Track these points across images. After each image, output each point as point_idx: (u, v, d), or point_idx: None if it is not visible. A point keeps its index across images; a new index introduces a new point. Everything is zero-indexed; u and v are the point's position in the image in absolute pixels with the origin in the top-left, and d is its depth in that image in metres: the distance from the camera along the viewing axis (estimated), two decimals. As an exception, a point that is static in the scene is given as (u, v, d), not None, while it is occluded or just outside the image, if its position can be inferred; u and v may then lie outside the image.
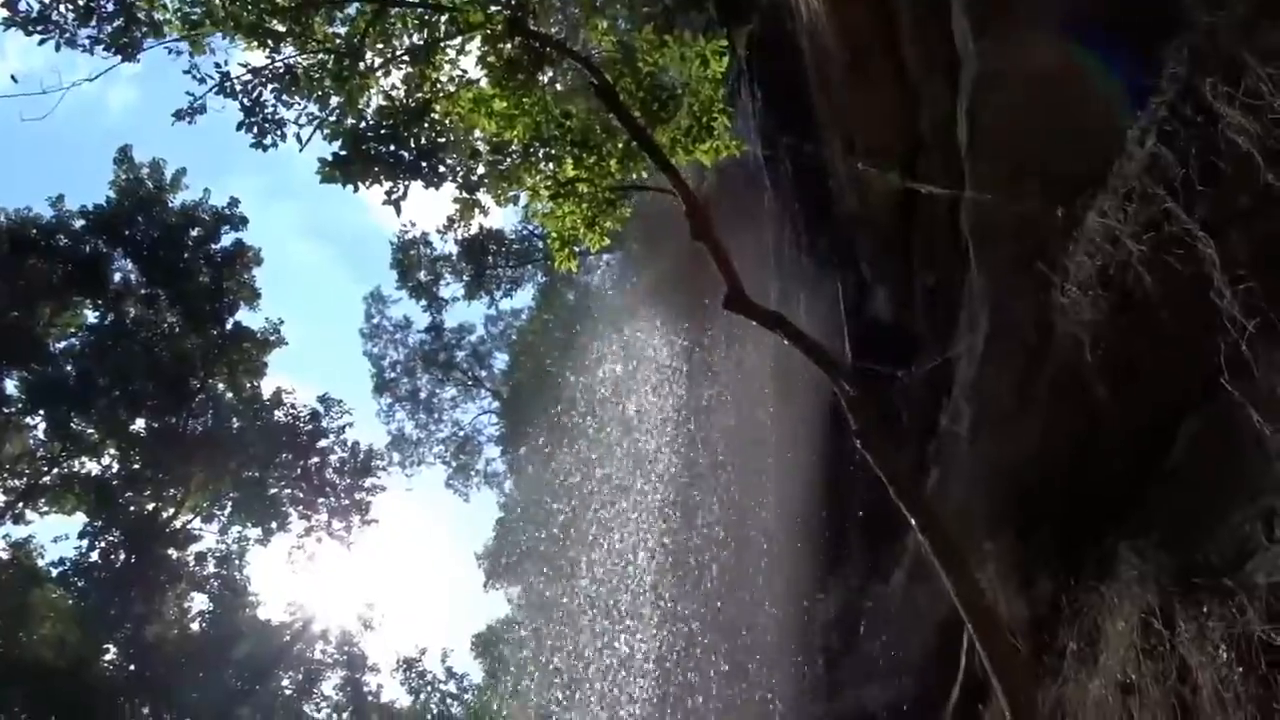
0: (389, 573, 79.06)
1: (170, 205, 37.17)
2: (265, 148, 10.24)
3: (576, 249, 11.14)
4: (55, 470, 36.45)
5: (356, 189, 9.92)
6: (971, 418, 11.16)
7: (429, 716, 38.83)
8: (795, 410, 14.51)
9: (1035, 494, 9.83)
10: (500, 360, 41.99)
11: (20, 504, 35.36)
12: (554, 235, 10.71)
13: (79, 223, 35.55)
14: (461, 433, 42.08)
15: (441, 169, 10.35)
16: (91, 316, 36.48)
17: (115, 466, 37.03)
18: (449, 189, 10.75)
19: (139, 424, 36.75)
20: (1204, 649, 6.52)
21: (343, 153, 9.86)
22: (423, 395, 41.87)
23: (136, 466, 36.60)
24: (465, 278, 37.77)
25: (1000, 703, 5.15)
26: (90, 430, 36.07)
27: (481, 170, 10.76)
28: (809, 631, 14.57)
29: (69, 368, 35.40)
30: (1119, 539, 8.09)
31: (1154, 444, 8.28)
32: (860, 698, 13.41)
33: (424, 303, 39.35)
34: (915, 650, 12.69)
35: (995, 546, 10.10)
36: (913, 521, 5.99)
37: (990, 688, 10.30)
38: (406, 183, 10.07)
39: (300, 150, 10.19)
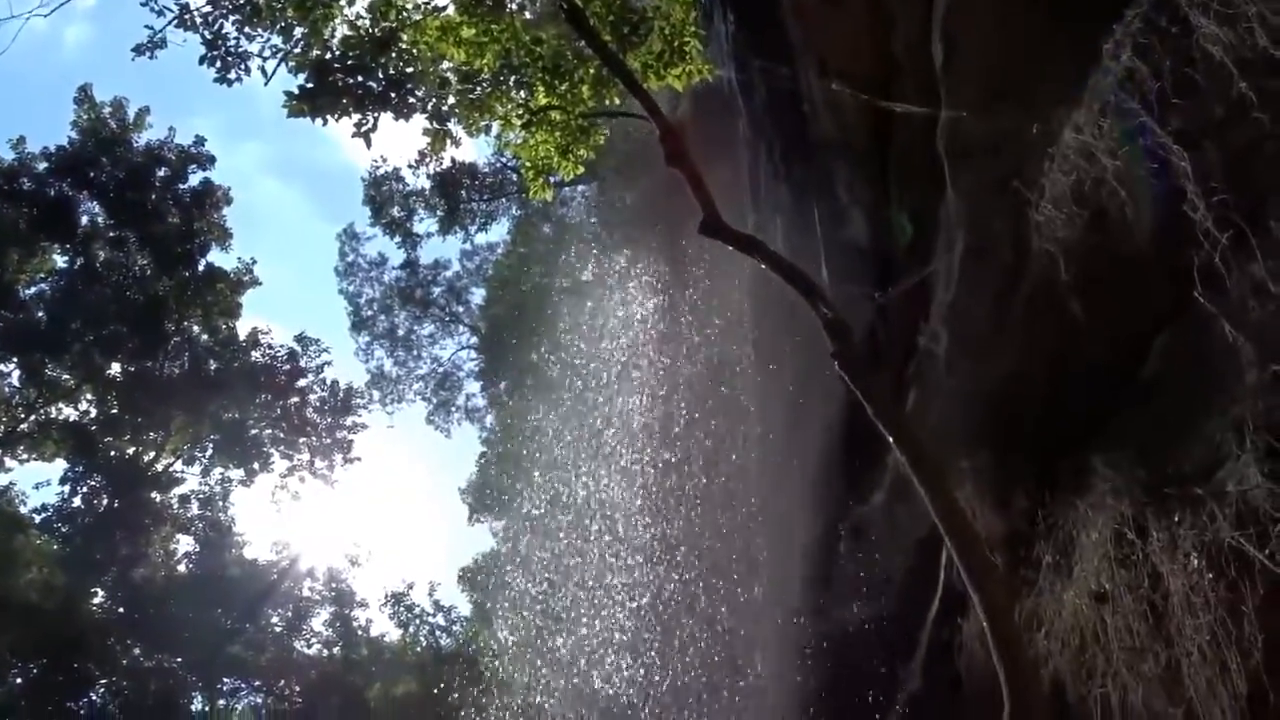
0: (374, 510, 79.53)
1: (134, 145, 36.45)
2: (229, 82, 10.03)
3: (551, 178, 11.04)
4: (32, 417, 36.24)
5: (325, 122, 9.77)
6: (949, 339, 11.24)
7: (418, 649, 39.34)
8: (774, 335, 14.56)
9: (1012, 412, 9.95)
10: (477, 295, 41.82)
11: (-2, 451, 35.22)
12: (528, 165, 10.61)
13: (42, 165, 34.86)
14: (441, 369, 42.03)
15: (411, 99, 10.19)
16: (60, 261, 36.02)
17: (93, 411, 36.91)
18: (419, 121, 10.62)
19: (115, 368, 36.55)
20: (1175, 557, 6.67)
21: (309, 85, 9.68)
22: (400, 332, 41.70)
23: (114, 411, 36.41)
24: (439, 213, 37.36)
25: (979, 615, 5.26)
26: (65, 376, 35.81)
27: (452, 100, 10.59)
28: (791, 551, 14.80)
29: (40, 313, 34.99)
30: (1093, 453, 8.22)
31: (1128, 359, 8.37)
32: (842, 615, 13.68)
33: (398, 239, 39.03)
34: (895, 568, 12.93)
35: (972, 465, 10.24)
36: (891, 440, 6.05)
37: (969, 601, 10.55)
38: (375, 114, 9.92)
39: (265, 84, 10.02)
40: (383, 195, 37.77)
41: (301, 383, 39.37)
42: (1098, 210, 8.15)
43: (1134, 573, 7.06)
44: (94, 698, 32.95)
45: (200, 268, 37.32)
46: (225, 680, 36.54)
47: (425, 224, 38.27)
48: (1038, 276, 9.29)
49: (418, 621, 40.11)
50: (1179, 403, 7.59)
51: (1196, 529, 6.48)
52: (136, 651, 34.22)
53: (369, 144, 9.97)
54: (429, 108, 10.50)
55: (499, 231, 55.82)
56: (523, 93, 10.48)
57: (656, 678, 16.05)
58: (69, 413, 36.87)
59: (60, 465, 36.03)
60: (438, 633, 40.13)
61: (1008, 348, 10.14)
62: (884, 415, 6.02)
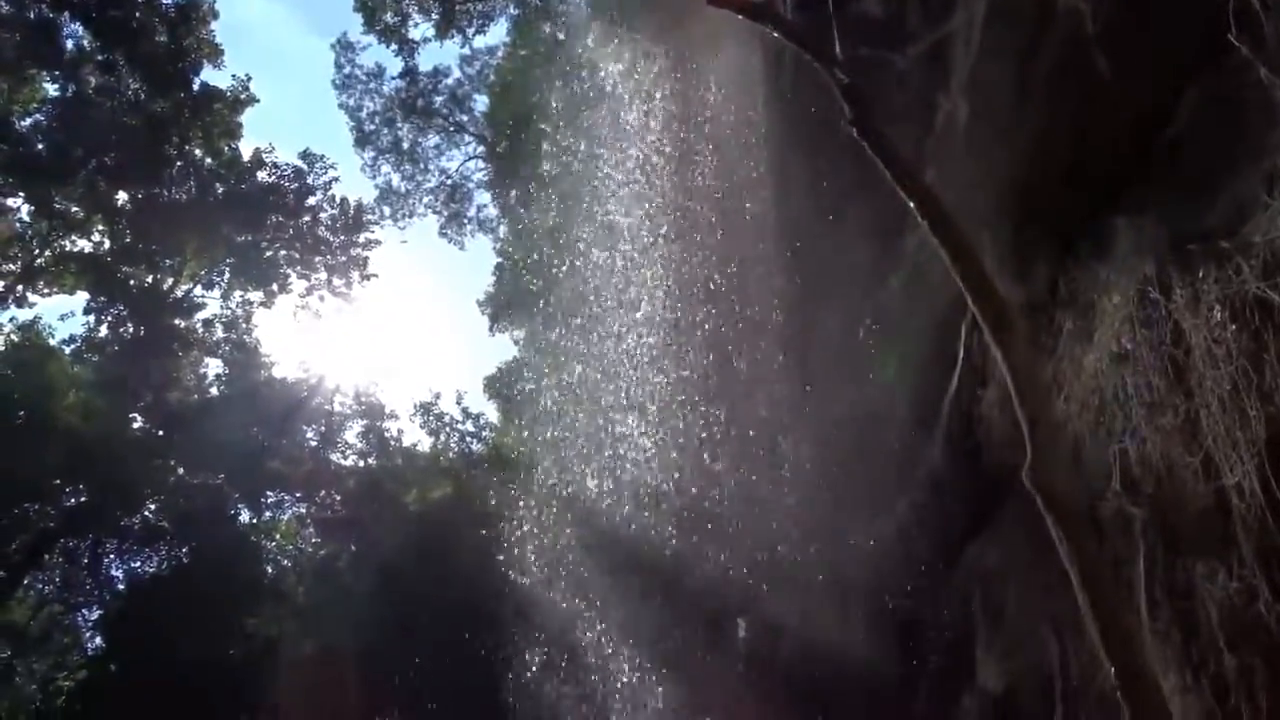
0: (396, 326, 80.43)
1: (108, -42, 34.84)
2: None
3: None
4: (47, 251, 36.33)
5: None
6: (969, 111, 10.91)
7: (450, 455, 40.54)
8: (787, 113, 14.16)
9: (1033, 181, 9.76)
10: (480, 103, 40.79)
11: (20, 287, 35.49)
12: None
13: (15, -13, 33.49)
14: (449, 181, 41.54)
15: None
16: (52, 89, 35.13)
17: (106, 242, 36.87)
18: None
19: (121, 197, 36.24)
20: (1198, 312, 6.64)
21: None
22: (405, 146, 40.99)
23: (128, 240, 36.39)
24: (434, 15, 36.01)
25: (1000, 368, 5.30)
26: (74, 207, 35.61)
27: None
28: (808, 340, 14.92)
29: (40, 144, 34.43)
30: (1117, 216, 8.08)
31: (1157, 116, 8.10)
32: (860, 399, 13.92)
33: (394, 47, 37.77)
34: (915, 349, 13.06)
35: (993, 237, 10.12)
36: (911, 204, 5.93)
37: (988, 373, 10.69)
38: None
39: None
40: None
41: (311, 201, 39.08)
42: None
43: (1155, 331, 7.06)
44: (147, 514, 34.45)
45: (195, 88, 36.34)
46: (268, 493, 37.93)
47: (421, 29, 37.02)
48: (1062, 36, 8.90)
49: (448, 429, 41.20)
50: (1207, 158, 7.38)
51: (1221, 282, 6.42)
52: (180, 470, 35.43)
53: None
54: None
55: (498, 34, 54.02)
56: None
57: (684, 463, 16.54)
58: (83, 244, 36.94)
59: (82, 297, 36.48)
60: (468, 439, 41.29)
61: (1030, 114, 9.83)
62: (903, 178, 5.88)
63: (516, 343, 40.47)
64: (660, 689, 16.27)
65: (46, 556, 34.19)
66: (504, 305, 39.42)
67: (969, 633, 10.80)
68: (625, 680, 17.26)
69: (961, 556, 11.21)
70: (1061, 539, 4.48)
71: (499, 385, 39.88)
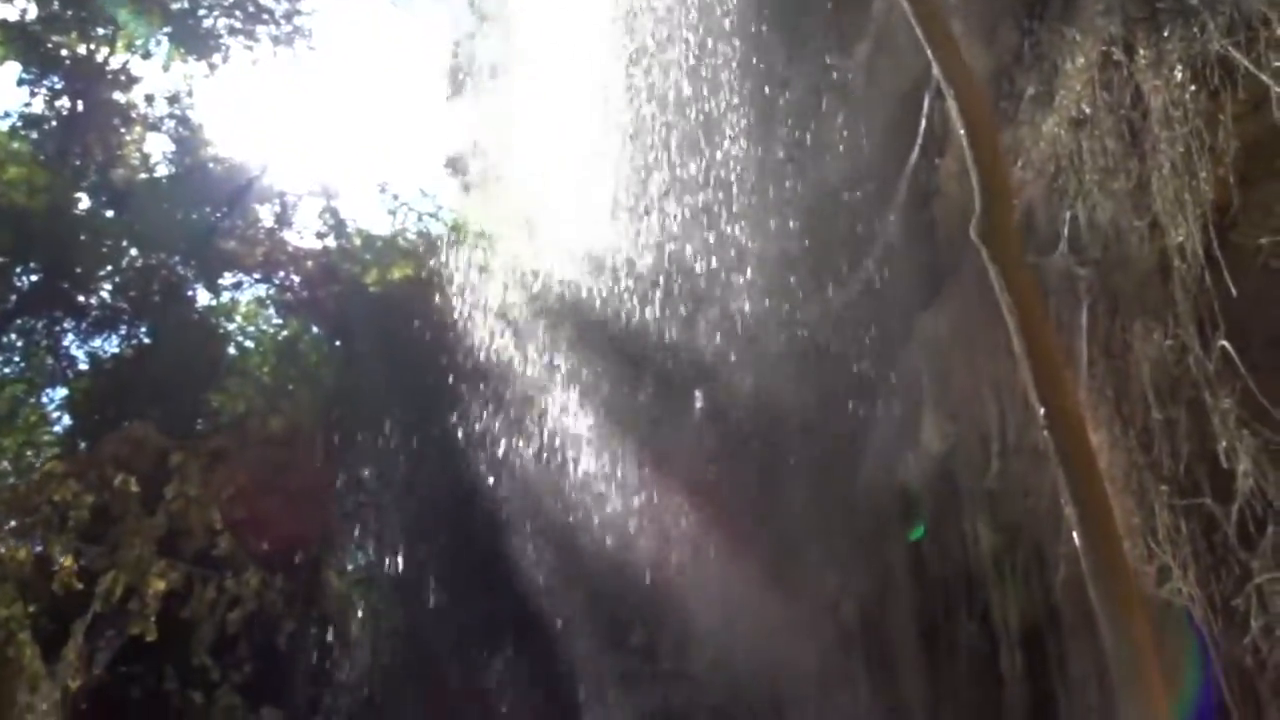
0: (348, 103, 77.11)
1: None
2: None
3: None
4: (-32, 16, 34.19)
5: None
6: None
7: (409, 235, 39.96)
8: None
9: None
10: None
11: (-57, 57, 33.59)
12: None
13: None
14: (398, -57, 39.12)
15: None
16: None
17: (32, 8, 34.68)
18: None
19: (44, -42, 33.83)
20: (1160, 73, 6.62)
21: None
22: (349, -99, 38.31)
23: (55, 6, 34.24)
24: None
25: (960, 143, 5.31)
26: (-7, -31, 33.27)
27: None
28: (771, 118, 14.73)
29: (-53, -103, 31.76)
30: (1088, -26, 7.88)
31: None
32: (819, 179, 13.91)
33: None
34: (878, 122, 12.97)
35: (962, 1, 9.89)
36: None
37: (946, 143, 10.69)
38: None
39: None
40: None
41: (248, -37, 36.68)
42: None
43: (1116, 94, 7.06)
44: (103, 295, 34.11)
45: None
46: (225, 274, 37.43)
47: None
48: None
49: (406, 209, 40.38)
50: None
51: (1185, 41, 6.37)
52: (134, 251, 34.78)
53: None
54: None
55: None
56: None
57: (646, 236, 16.59)
58: (6, 11, 34.72)
59: (12, 70, 34.63)
60: (425, 218, 40.55)
61: None
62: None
63: (475, 120, 39.26)
64: (620, 451, 16.97)
65: (4, 338, 34.05)
66: (462, 80, 37.98)
67: (917, 396, 11.31)
68: (586, 445, 17.95)
69: (914, 325, 11.58)
70: (1003, 289, 4.64)
71: (457, 163, 38.96)
